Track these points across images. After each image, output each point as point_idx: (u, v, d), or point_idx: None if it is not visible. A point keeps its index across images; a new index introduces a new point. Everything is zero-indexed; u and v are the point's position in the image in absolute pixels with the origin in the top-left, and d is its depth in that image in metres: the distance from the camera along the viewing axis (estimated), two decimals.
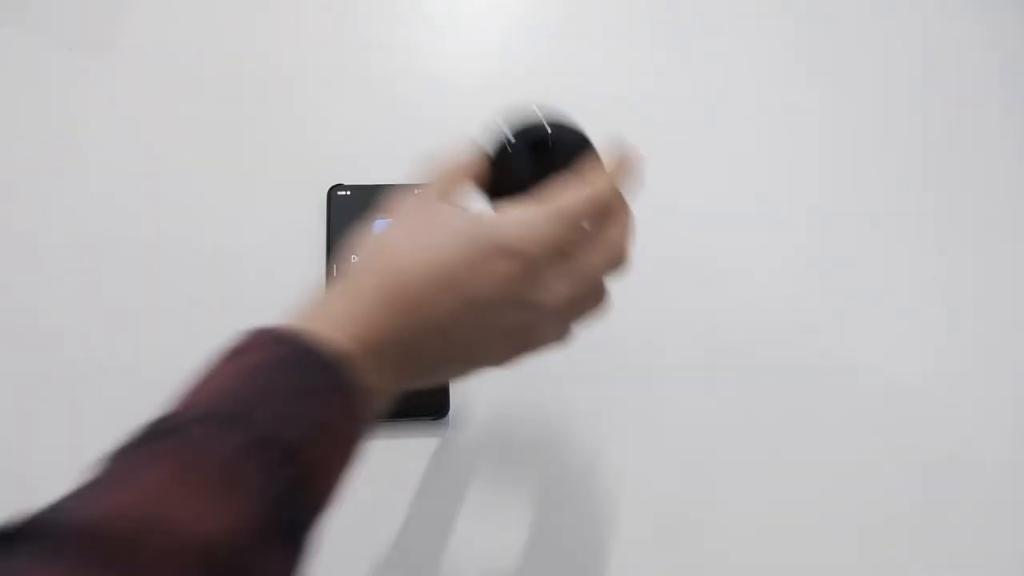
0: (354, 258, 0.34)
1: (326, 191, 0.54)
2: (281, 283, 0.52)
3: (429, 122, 0.58)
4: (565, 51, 0.61)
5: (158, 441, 0.26)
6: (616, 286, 0.36)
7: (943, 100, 0.62)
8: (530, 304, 0.32)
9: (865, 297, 0.56)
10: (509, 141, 0.35)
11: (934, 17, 0.65)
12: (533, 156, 0.35)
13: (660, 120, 0.59)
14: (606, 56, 0.61)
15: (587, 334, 0.53)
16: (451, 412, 0.50)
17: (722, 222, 0.57)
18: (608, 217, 0.34)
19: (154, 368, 0.50)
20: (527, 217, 0.32)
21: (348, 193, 0.54)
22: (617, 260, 0.35)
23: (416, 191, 0.35)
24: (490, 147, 0.36)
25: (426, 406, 0.50)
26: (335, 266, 0.52)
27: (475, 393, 0.51)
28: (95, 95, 0.56)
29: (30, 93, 0.56)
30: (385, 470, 0.49)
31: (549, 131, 0.36)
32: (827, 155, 0.60)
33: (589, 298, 0.35)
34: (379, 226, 0.35)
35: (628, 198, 0.36)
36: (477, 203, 0.35)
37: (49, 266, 0.52)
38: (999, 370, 0.55)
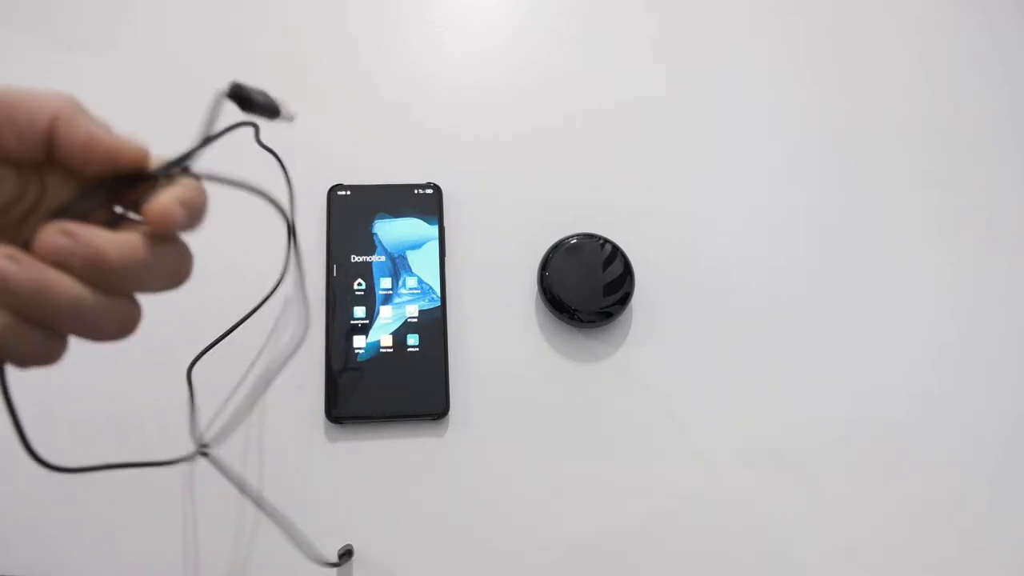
0: None
1: (326, 191, 0.54)
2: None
3: (429, 122, 0.58)
4: (565, 51, 0.61)
5: None
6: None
7: (944, 100, 0.62)
8: None
9: (867, 298, 0.56)
10: None
11: (935, 16, 0.65)
12: None
13: (661, 119, 0.59)
14: (606, 56, 0.61)
15: (589, 335, 0.53)
16: (451, 412, 0.50)
17: (721, 222, 0.57)
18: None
19: (152, 366, 0.50)
20: None
21: (348, 193, 0.54)
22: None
23: None
24: None
25: (426, 406, 0.50)
26: (335, 266, 0.52)
27: (475, 393, 0.51)
28: (95, 95, 0.56)
29: None
30: (385, 470, 0.49)
31: None
32: (827, 156, 0.60)
33: None
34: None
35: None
36: None
37: None
38: (1002, 370, 0.55)
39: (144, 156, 0.26)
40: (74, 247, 0.23)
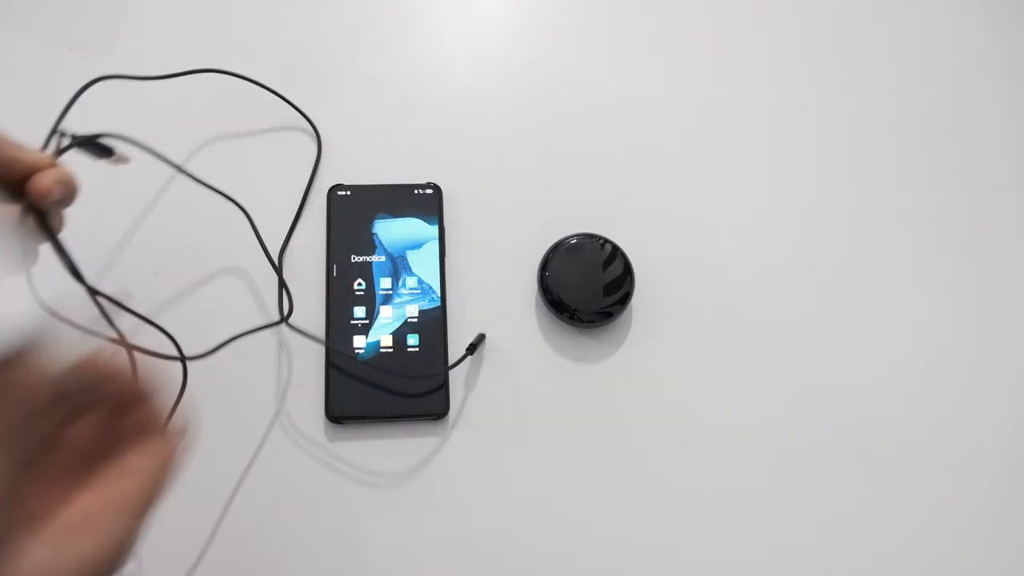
0: None
1: (326, 191, 0.54)
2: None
3: (429, 122, 0.58)
4: (565, 51, 0.61)
5: None
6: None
7: (944, 100, 0.62)
8: None
9: (867, 298, 0.56)
10: None
11: (935, 16, 0.65)
12: None
13: (661, 119, 0.59)
14: (606, 56, 0.61)
15: (589, 335, 0.53)
16: (451, 412, 0.50)
17: (721, 222, 0.57)
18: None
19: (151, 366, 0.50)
20: None
21: (348, 193, 0.54)
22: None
23: None
24: None
25: (426, 406, 0.50)
26: (335, 266, 0.52)
27: (475, 393, 0.51)
28: (95, 95, 0.56)
29: (29, 93, 0.56)
30: (386, 470, 0.49)
31: None
32: (827, 156, 0.60)
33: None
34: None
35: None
36: None
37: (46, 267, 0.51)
38: (1002, 370, 0.55)
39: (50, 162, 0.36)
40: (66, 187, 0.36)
